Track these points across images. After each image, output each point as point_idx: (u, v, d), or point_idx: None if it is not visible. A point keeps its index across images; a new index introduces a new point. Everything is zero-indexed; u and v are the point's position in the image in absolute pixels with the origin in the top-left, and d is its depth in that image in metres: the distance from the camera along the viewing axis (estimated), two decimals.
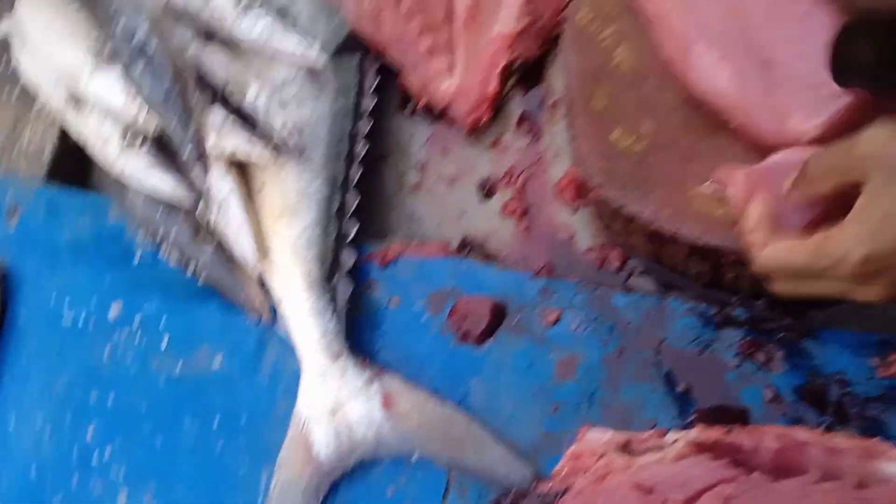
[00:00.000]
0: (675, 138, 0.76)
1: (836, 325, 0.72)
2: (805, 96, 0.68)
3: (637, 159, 0.76)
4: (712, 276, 0.78)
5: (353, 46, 0.92)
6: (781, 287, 0.61)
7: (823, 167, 0.58)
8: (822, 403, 0.69)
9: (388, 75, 0.97)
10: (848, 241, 0.53)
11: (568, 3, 0.86)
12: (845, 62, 0.59)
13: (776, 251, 0.59)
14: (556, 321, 0.78)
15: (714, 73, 0.72)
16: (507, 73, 0.91)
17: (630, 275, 0.85)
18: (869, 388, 0.68)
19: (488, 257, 0.89)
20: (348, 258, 0.82)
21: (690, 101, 0.76)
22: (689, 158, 0.75)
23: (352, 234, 0.83)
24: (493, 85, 0.90)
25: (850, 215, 0.55)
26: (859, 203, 0.54)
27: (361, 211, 0.89)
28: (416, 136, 0.97)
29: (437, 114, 0.95)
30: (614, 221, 0.82)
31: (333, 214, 0.82)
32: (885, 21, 0.57)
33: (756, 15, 0.71)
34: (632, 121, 0.78)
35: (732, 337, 0.73)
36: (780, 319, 0.73)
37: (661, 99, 0.78)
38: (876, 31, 0.57)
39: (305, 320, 0.78)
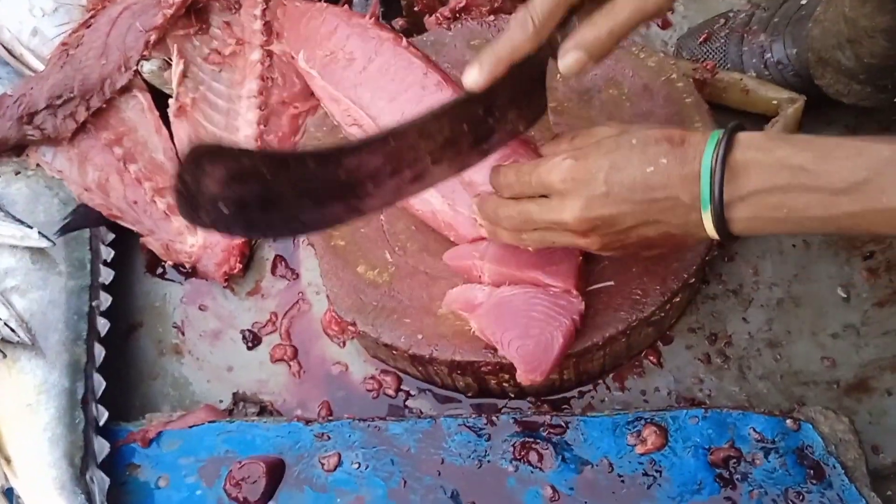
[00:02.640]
0: (416, 264, 0.79)
1: (591, 412, 0.77)
2: None
3: (384, 290, 0.78)
4: (479, 386, 0.81)
5: (82, 220, 0.88)
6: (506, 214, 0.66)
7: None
8: (596, 491, 0.72)
9: (131, 240, 0.94)
10: (559, 155, 0.62)
11: None
12: None
13: (506, 172, 0.65)
14: (337, 465, 0.76)
15: (428, 198, 0.77)
16: None
17: (407, 397, 0.85)
18: (632, 466, 0.72)
19: (264, 409, 0.87)
20: (102, 447, 0.75)
21: (423, 226, 0.80)
22: (432, 280, 0.78)
23: (103, 420, 0.77)
24: None
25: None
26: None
27: (116, 390, 0.83)
28: (170, 297, 0.93)
29: (189, 271, 0.92)
30: (378, 350, 0.83)
31: (79, 403, 0.76)
32: None
33: None
34: (374, 254, 0.80)
35: (505, 443, 0.75)
36: (544, 415, 0.76)
37: (396, 230, 0.81)
38: None
39: None
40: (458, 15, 0.93)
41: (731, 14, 0.97)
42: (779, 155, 0.53)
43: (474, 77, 0.60)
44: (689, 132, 0.58)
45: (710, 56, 0.93)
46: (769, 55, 0.90)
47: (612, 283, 0.75)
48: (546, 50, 0.62)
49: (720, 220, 0.55)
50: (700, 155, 0.55)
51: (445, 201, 0.75)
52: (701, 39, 0.95)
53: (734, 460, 0.71)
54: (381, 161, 0.59)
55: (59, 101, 0.92)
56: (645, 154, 0.57)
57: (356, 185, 0.59)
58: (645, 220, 0.58)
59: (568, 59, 0.59)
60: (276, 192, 0.55)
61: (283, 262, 0.93)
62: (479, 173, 0.71)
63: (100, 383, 0.79)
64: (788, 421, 0.72)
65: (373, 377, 0.86)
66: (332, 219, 0.60)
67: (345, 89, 0.85)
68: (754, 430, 0.72)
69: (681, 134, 0.58)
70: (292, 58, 0.92)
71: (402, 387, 0.85)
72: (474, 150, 0.65)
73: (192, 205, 0.52)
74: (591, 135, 0.64)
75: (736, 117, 0.90)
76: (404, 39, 0.86)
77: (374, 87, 0.83)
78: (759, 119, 0.88)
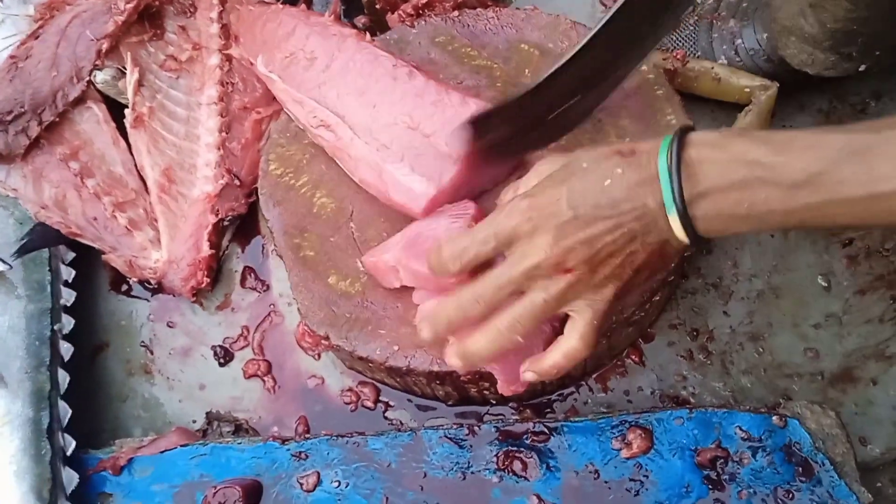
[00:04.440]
0: None
1: (574, 416, 0.75)
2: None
3: (357, 301, 0.76)
4: (459, 394, 0.79)
5: (40, 240, 0.85)
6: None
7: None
8: (582, 499, 0.70)
9: (92, 258, 0.90)
10: (511, 202, 0.59)
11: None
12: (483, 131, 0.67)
13: (452, 241, 0.60)
14: (316, 484, 0.73)
15: (409, 185, 0.74)
16: (217, 232, 0.88)
17: (387, 408, 0.83)
18: (618, 471, 0.71)
19: (239, 427, 0.84)
20: (70, 478, 0.72)
21: (395, 231, 0.77)
22: (406, 288, 0.75)
23: (70, 450, 0.74)
24: (204, 248, 0.87)
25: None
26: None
27: (84, 416, 0.80)
28: (137, 315, 0.90)
29: (155, 287, 0.89)
30: (354, 362, 0.81)
31: (44, 433, 0.73)
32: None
33: (429, 124, 0.75)
34: (345, 263, 0.78)
35: (488, 453, 0.73)
36: (527, 422, 0.74)
37: (367, 237, 0.78)
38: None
39: None
40: (421, 11, 0.90)
41: (699, 0, 0.95)
42: (734, 150, 0.52)
43: None
44: (637, 143, 0.57)
45: (680, 45, 0.92)
46: (740, 41, 0.89)
47: None
48: None
49: (685, 219, 0.54)
50: (654, 158, 0.54)
51: (429, 185, 0.74)
52: None
53: (721, 461, 0.70)
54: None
55: (9, 117, 0.88)
56: (599, 170, 0.55)
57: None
58: (620, 235, 0.56)
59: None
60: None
61: (252, 274, 0.90)
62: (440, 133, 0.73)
63: (65, 411, 0.76)
64: (775, 418, 0.70)
65: (350, 389, 0.84)
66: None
67: (308, 90, 0.82)
68: (740, 428, 0.71)
69: (629, 145, 0.56)
70: (251, 63, 0.89)
71: (380, 398, 0.83)
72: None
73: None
74: (536, 173, 0.62)
75: (708, 107, 0.89)
76: (367, 35, 0.83)
77: (339, 84, 0.81)
78: (732, 108, 0.86)
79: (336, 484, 0.73)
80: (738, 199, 0.53)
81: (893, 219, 0.50)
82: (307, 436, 0.76)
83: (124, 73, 0.92)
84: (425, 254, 0.64)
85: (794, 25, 0.81)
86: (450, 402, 0.81)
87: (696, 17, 0.93)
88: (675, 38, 0.92)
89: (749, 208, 0.53)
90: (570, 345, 0.59)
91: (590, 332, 0.59)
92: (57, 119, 0.89)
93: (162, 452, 0.76)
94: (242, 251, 0.91)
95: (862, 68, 0.81)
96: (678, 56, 0.89)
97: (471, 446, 0.73)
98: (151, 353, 0.88)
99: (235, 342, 0.87)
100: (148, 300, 0.90)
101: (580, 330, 0.59)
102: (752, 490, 0.68)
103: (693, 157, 0.53)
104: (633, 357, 0.81)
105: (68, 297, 0.83)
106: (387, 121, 0.77)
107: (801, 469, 0.68)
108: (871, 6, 0.75)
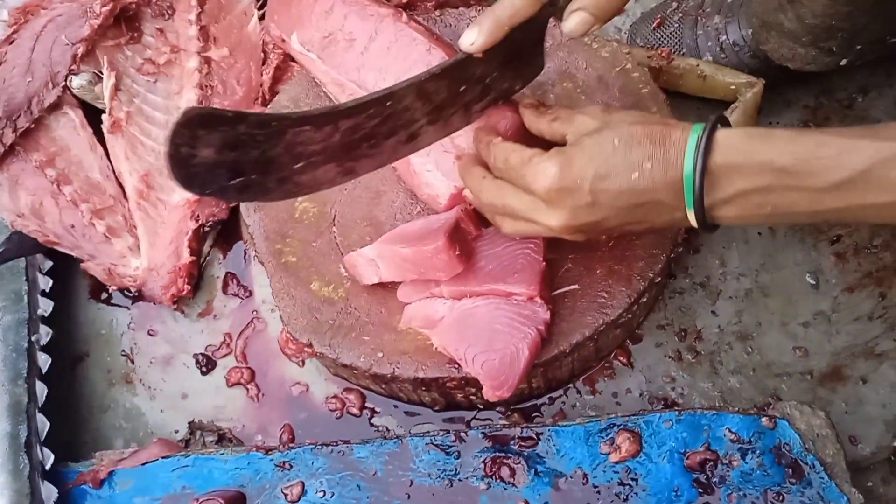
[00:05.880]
0: None
1: (562, 420, 0.74)
2: None
3: (341, 307, 0.74)
4: (445, 400, 0.78)
5: (17, 249, 0.83)
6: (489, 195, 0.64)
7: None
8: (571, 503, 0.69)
9: (71, 266, 0.89)
10: (543, 159, 0.60)
11: None
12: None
13: (497, 151, 0.63)
14: (301, 495, 0.72)
15: (432, 181, 0.74)
16: (198, 238, 0.87)
17: (372, 415, 0.82)
18: (606, 476, 0.70)
19: (223, 437, 0.83)
20: (49, 493, 0.71)
21: (378, 236, 0.76)
22: (390, 293, 0.74)
23: (49, 463, 0.73)
24: (184, 254, 0.85)
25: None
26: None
27: (64, 428, 0.79)
28: (117, 324, 0.88)
29: (135, 295, 0.88)
30: (339, 369, 0.80)
31: (22, 447, 0.72)
32: None
33: None
34: (327, 269, 0.76)
35: (476, 460, 0.72)
36: (514, 427, 0.73)
37: (350, 241, 0.77)
38: None
39: None
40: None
41: None
42: (760, 158, 0.53)
43: (472, 39, 0.60)
44: (670, 126, 0.57)
45: (665, 42, 0.91)
46: (724, 37, 0.88)
47: (576, 286, 0.72)
48: (547, 10, 0.62)
49: (704, 219, 0.56)
50: (682, 156, 0.55)
51: (427, 159, 0.73)
52: (654, 25, 0.92)
53: (711, 463, 0.69)
54: (378, 123, 0.60)
55: None
56: (628, 158, 0.56)
57: (352, 148, 0.59)
58: (630, 221, 0.59)
59: (572, 20, 0.60)
60: (272, 157, 0.56)
61: (234, 280, 0.89)
62: (462, 137, 0.70)
63: (44, 424, 0.74)
64: (764, 419, 0.70)
65: (335, 396, 0.82)
66: (327, 180, 0.61)
67: (348, 72, 0.80)
68: (730, 430, 0.70)
69: (661, 130, 0.57)
70: (283, 41, 0.87)
71: (366, 404, 0.82)
72: (470, 111, 0.65)
73: (186, 171, 0.51)
74: (571, 122, 0.62)
75: (694, 104, 0.88)
76: (404, 14, 0.81)
77: (377, 67, 0.79)
78: (717, 105, 0.85)
79: (321, 494, 0.72)
80: (762, 202, 0.54)
81: None
82: (291, 445, 0.75)
83: (101, 78, 0.90)
84: (410, 238, 0.67)
85: (773, 20, 0.80)
86: (436, 408, 0.80)
87: (680, 14, 0.92)
88: (659, 36, 0.92)
89: (773, 209, 0.55)
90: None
91: None
92: (32, 125, 0.88)
93: (143, 465, 0.74)
94: (224, 257, 0.90)
95: (843, 62, 0.80)
96: (663, 54, 0.88)
97: (458, 453, 0.72)
98: (132, 362, 0.86)
99: (218, 350, 0.86)
100: (128, 308, 0.89)
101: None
102: (741, 493, 0.68)
103: (719, 163, 0.54)
104: (621, 358, 0.80)
105: (46, 307, 0.82)
106: None
107: (791, 471, 0.68)
108: (850, 2, 0.74)
